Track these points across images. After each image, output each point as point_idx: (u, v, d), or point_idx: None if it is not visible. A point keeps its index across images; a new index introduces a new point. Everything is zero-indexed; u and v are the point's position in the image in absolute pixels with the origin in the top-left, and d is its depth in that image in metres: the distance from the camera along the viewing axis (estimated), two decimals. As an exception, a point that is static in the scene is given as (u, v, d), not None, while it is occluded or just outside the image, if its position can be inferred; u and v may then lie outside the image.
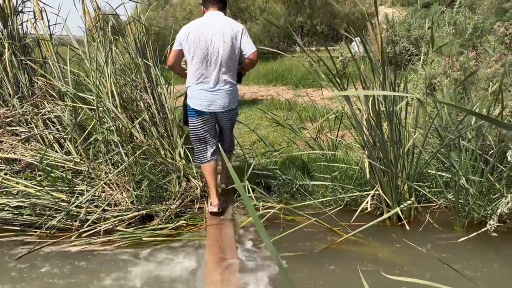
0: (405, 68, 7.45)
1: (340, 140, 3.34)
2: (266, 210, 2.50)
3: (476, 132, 2.55)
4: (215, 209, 2.63)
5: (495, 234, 2.03)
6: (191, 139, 2.68)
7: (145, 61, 3.33)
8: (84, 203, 2.46)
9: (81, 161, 2.78)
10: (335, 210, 2.57)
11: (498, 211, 1.98)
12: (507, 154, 2.22)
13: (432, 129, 2.79)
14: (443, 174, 2.53)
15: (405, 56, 7.31)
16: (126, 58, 3.42)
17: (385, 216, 2.39)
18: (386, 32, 7.81)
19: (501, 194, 2.26)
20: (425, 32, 7.23)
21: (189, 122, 2.63)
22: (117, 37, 3.41)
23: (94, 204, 2.54)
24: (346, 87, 2.59)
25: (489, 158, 2.36)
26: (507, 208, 1.95)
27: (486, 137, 2.44)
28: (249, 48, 2.51)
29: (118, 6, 3.03)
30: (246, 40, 2.51)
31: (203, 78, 2.48)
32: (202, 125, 2.60)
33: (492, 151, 2.33)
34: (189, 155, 3.21)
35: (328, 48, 10.08)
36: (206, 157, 2.68)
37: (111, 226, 2.44)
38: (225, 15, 2.60)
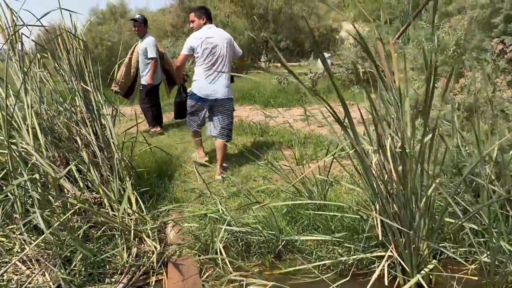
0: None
1: (331, 181, 2.77)
2: (249, 288, 1.85)
3: (499, 169, 2.09)
4: (203, 160, 3.73)
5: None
6: (188, 112, 3.60)
7: (83, 85, 2.60)
8: (-18, 297, 1.68)
9: (-16, 228, 1.99)
10: (338, 282, 1.96)
11: None
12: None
13: (447, 166, 2.31)
14: (467, 224, 2.02)
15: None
16: (58, 81, 2.67)
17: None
18: (355, 48, 7.56)
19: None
20: (399, 47, 7.03)
21: (189, 102, 3.54)
22: (45, 55, 2.67)
23: (0, 295, 1.76)
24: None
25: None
26: None
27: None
28: (239, 51, 3.57)
29: (42, 16, 2.30)
30: (236, 45, 3.54)
31: (210, 74, 3.33)
32: (199, 107, 3.50)
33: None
34: (142, 205, 2.51)
35: (294, 64, 9.67)
36: (194, 126, 3.65)
37: (24, 329, 1.67)
38: None
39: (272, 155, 3.85)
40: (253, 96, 7.08)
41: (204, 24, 3.42)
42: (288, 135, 4.43)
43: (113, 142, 2.62)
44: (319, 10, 10.73)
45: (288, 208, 2.65)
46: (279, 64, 10.13)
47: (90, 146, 2.55)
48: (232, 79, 3.60)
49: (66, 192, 2.20)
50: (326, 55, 9.67)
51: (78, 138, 2.54)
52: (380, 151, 1.74)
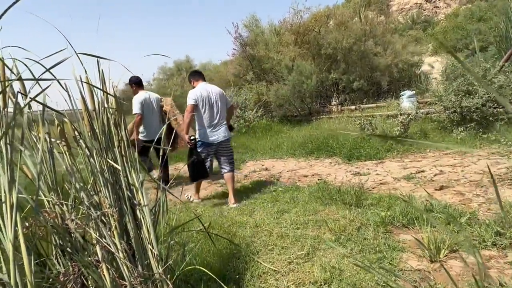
0: (491, 125, 5.64)
1: None
2: None
3: None
4: (199, 201, 4.30)
5: None
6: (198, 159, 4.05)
7: (109, 161, 1.72)
8: None
9: None
10: None
11: None
12: None
13: None
14: None
15: (489, 109, 5.51)
16: (79, 158, 1.82)
17: None
18: (455, 81, 6.14)
19: None
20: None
21: (200, 151, 4.01)
22: (62, 123, 1.86)
23: None
24: None
25: None
26: None
27: None
28: (229, 102, 4.21)
29: (52, 66, 1.49)
30: (227, 97, 4.19)
31: (211, 122, 3.97)
32: (206, 153, 4.04)
33: None
34: None
35: (371, 105, 8.41)
36: (207, 174, 4.11)
37: None
38: None
39: (385, 242, 2.60)
40: (331, 147, 5.93)
41: (201, 81, 4.07)
42: (399, 205, 3.15)
43: (151, 251, 1.64)
44: (396, 45, 9.55)
45: None
46: (353, 107, 8.95)
47: (114, 263, 1.59)
48: (231, 128, 4.28)
49: None
50: (409, 92, 8.31)
51: (97, 247, 1.60)
52: None
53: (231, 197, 3.95)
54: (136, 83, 4.97)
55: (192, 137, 3.95)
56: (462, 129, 5.77)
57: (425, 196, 3.41)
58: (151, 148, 4.93)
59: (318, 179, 4.53)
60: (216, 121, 3.94)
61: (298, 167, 5.38)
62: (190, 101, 3.86)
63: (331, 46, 9.22)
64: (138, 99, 4.78)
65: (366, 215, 3.10)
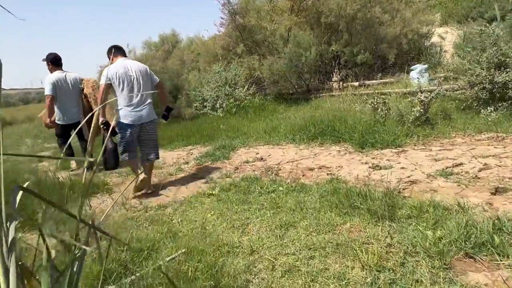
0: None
1: None
2: None
3: None
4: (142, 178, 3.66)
5: None
6: (121, 146, 3.65)
7: None
8: None
9: None
10: None
11: None
12: None
13: None
14: None
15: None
16: None
17: None
18: (484, 53, 5.17)
19: None
20: None
21: (121, 134, 3.59)
22: None
23: None
24: None
25: None
26: None
27: None
28: (155, 79, 3.81)
29: None
30: (152, 73, 3.82)
31: (131, 101, 3.56)
32: (130, 134, 3.60)
33: None
34: None
35: (378, 81, 7.41)
36: (135, 155, 3.72)
37: None
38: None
39: (445, 283, 1.69)
40: (338, 131, 4.97)
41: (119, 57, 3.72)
42: (451, 219, 2.24)
43: None
44: (405, 12, 8.47)
45: None
46: (357, 83, 7.97)
47: None
48: (169, 110, 4.01)
49: None
50: (421, 66, 7.35)
51: None
52: None
53: (150, 185, 3.78)
54: (52, 62, 4.65)
55: (103, 121, 3.55)
56: (492, 108, 4.87)
57: (482, 203, 2.52)
58: (72, 136, 4.35)
59: (328, 174, 3.60)
60: (137, 100, 3.58)
61: (300, 156, 4.44)
62: (102, 80, 3.51)
63: (332, 14, 8.11)
64: (50, 78, 4.52)
65: (407, 234, 2.19)
